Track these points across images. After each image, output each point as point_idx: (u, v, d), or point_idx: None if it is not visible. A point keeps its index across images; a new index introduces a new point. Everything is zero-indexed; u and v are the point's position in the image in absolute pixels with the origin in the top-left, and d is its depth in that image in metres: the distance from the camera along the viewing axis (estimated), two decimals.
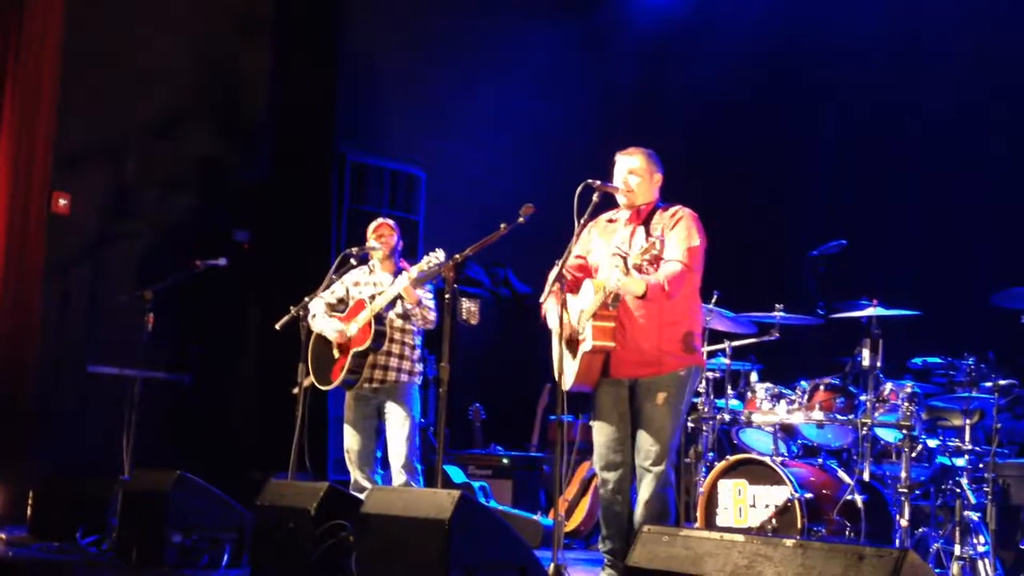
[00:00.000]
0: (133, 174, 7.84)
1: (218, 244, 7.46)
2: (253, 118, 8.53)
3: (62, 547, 5.58)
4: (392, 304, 5.64)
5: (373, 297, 5.66)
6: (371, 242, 5.82)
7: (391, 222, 5.92)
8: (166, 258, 7.44)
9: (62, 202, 7.35)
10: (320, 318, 5.77)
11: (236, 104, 8.45)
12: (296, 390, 5.65)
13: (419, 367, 5.79)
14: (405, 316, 5.68)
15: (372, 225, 5.93)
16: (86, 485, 5.87)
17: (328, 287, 5.78)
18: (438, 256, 5.31)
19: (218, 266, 6.70)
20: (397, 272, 5.75)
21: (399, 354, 5.68)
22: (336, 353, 5.72)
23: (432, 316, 5.65)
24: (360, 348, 5.61)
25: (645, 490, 4.53)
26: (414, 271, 5.43)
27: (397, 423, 5.63)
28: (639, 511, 4.54)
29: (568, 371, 4.58)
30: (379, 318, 5.61)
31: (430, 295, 5.71)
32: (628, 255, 4.34)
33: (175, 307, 7.27)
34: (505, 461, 7.64)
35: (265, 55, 8.51)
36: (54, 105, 7.19)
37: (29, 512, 6.12)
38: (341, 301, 5.86)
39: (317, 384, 5.78)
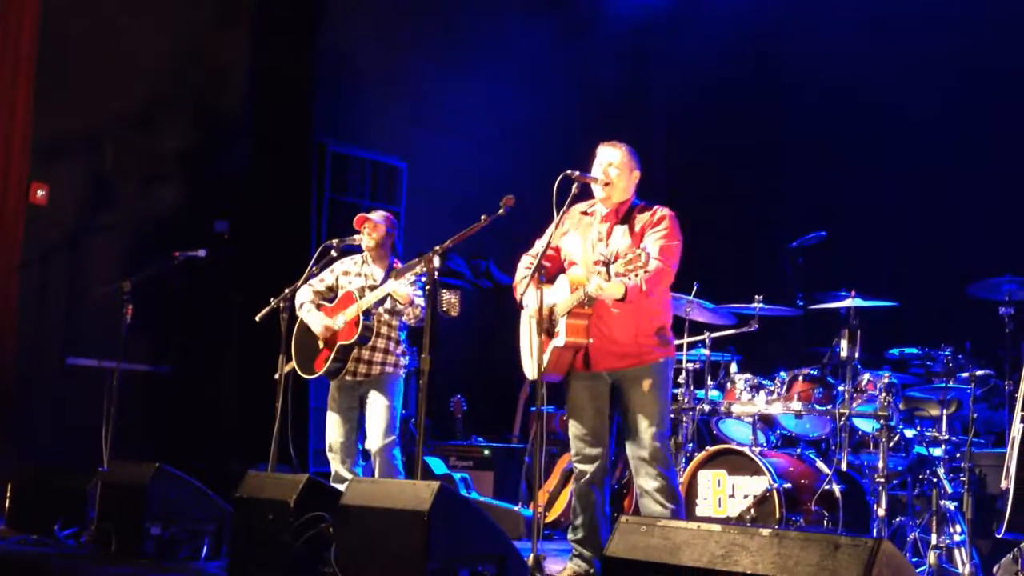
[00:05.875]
0: (112, 164, 7.78)
1: (198, 235, 7.41)
2: (232, 108, 8.46)
3: (40, 539, 5.55)
4: (381, 302, 5.63)
5: (362, 290, 5.64)
6: (363, 237, 5.76)
7: (375, 217, 5.84)
8: (145, 249, 7.39)
9: (40, 193, 7.30)
10: (306, 309, 5.74)
11: (215, 94, 8.38)
12: (276, 376, 5.62)
13: (404, 360, 5.78)
14: (393, 311, 5.68)
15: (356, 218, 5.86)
16: (65, 477, 5.84)
17: (308, 280, 5.75)
18: (433, 262, 4.91)
19: (198, 257, 6.67)
20: (389, 267, 5.75)
21: (384, 349, 5.67)
22: (321, 344, 5.71)
23: (422, 313, 5.60)
24: (347, 342, 5.59)
25: (652, 481, 4.51)
26: (409, 276, 5.29)
27: (377, 410, 5.61)
28: (652, 503, 4.49)
29: (537, 360, 4.59)
30: (367, 313, 5.58)
31: (420, 292, 5.66)
32: (610, 262, 4.34)
33: (154, 298, 7.22)
34: (486, 452, 7.65)
35: (244, 44, 8.44)
36: (31, 95, 7.13)
37: (7, 504, 6.09)
38: (331, 289, 5.84)
39: (300, 372, 5.76)
